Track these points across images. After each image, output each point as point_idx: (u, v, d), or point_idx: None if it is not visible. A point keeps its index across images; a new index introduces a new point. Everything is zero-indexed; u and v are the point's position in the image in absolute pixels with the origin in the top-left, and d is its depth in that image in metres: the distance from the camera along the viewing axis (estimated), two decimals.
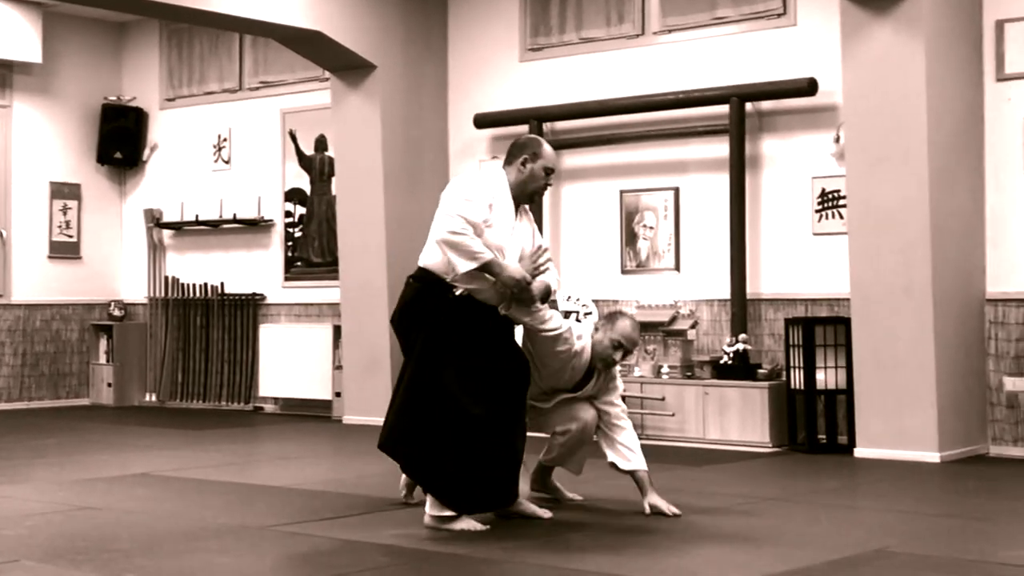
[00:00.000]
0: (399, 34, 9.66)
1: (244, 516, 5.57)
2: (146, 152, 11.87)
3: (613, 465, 5.54)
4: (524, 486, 5.45)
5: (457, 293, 5.15)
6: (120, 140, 11.71)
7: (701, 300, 8.75)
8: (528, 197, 5.38)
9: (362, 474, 6.97)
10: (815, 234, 8.32)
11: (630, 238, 9.08)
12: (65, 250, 11.63)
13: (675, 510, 5.44)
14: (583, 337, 5.50)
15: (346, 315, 9.84)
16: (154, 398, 11.60)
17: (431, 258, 5.24)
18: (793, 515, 5.64)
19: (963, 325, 7.57)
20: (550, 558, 4.65)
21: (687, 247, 8.86)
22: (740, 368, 8.14)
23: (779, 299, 8.45)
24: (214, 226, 11.27)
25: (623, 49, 9.18)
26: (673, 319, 8.55)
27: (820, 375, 7.87)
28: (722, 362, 8.22)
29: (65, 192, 11.64)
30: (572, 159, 9.31)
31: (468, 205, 5.12)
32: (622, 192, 9.12)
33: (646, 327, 8.34)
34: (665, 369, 8.40)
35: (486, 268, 5.10)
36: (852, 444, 7.67)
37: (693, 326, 8.53)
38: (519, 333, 5.44)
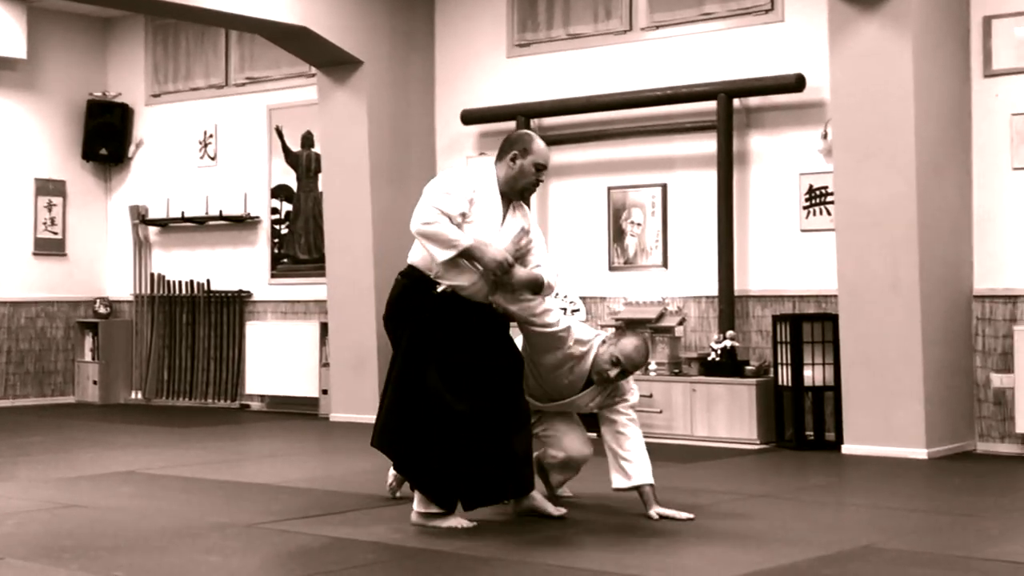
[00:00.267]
0: (386, 30, 9.63)
1: (231, 514, 5.54)
2: (131, 148, 11.82)
3: (617, 488, 5.37)
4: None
5: (439, 290, 5.13)
6: (105, 136, 11.67)
7: (689, 297, 8.75)
8: (518, 193, 5.29)
9: (349, 471, 6.95)
10: (803, 231, 8.33)
11: (618, 235, 9.07)
12: (50, 247, 11.58)
13: (687, 515, 5.30)
14: (589, 345, 5.36)
15: (333, 312, 9.82)
16: (140, 396, 11.56)
17: (417, 254, 5.22)
18: (781, 512, 5.63)
19: (950, 322, 7.58)
20: (536, 555, 4.63)
21: (675, 244, 8.85)
22: (728, 365, 8.13)
23: (767, 296, 8.45)
24: (200, 223, 11.24)
25: (610, 45, 9.17)
26: (661, 316, 8.54)
27: (808, 372, 7.87)
28: (710, 359, 8.21)
29: (50, 189, 11.58)
30: (559, 155, 9.28)
31: (444, 197, 5.10)
32: (610, 189, 9.11)
33: (633, 323, 8.36)
34: (653, 366, 8.39)
35: (467, 254, 5.05)
36: (840, 441, 7.68)
37: (681, 323, 8.53)
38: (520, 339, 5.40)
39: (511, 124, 9.23)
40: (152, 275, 11.58)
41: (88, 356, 11.59)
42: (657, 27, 8.97)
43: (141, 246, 11.68)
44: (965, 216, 7.74)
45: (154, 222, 11.54)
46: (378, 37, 9.57)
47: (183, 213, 11.29)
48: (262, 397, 10.84)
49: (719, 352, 8.17)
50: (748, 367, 8.15)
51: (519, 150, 5.26)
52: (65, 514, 5.56)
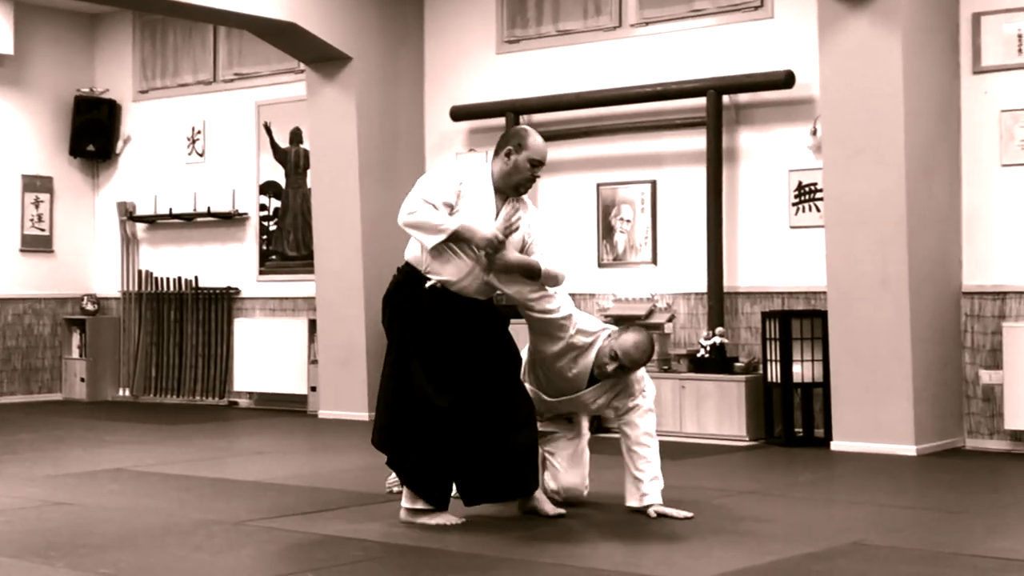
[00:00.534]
0: (375, 26, 9.61)
1: (219, 511, 5.53)
2: (119, 145, 11.78)
3: (629, 506, 5.31)
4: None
5: (427, 285, 5.11)
6: (93, 133, 11.62)
7: (678, 293, 8.75)
8: (513, 189, 5.22)
9: (337, 468, 6.94)
10: (792, 227, 8.33)
11: (607, 231, 9.06)
12: (37, 244, 11.53)
13: (685, 513, 5.26)
14: (594, 337, 5.29)
15: (321, 309, 9.80)
16: (127, 393, 11.52)
17: (411, 250, 5.22)
18: (770, 508, 5.63)
19: (939, 318, 7.59)
20: (525, 551, 4.63)
21: (664, 240, 8.84)
22: (717, 361, 8.13)
23: (756, 292, 8.45)
24: (188, 219, 11.20)
25: (600, 41, 9.16)
26: (650, 312, 8.54)
27: (797, 368, 7.87)
28: (699, 355, 8.21)
29: (37, 185, 11.53)
30: (549, 152, 9.26)
31: (429, 188, 5.10)
32: (599, 185, 9.10)
33: (622, 320, 8.34)
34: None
35: (456, 237, 5.03)
36: (829, 437, 7.69)
37: (670, 319, 8.52)
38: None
39: (501, 120, 9.22)
40: (140, 272, 11.54)
41: (75, 353, 11.55)
42: (647, 23, 8.96)
43: (129, 243, 11.64)
44: (954, 213, 7.74)
45: (142, 219, 11.50)
46: (367, 33, 9.55)
47: (171, 210, 11.25)
48: (250, 394, 10.81)
49: (708, 349, 8.17)
50: (737, 364, 8.15)
51: (514, 145, 5.23)
52: (52, 512, 5.54)
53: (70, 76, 11.75)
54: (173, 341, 11.25)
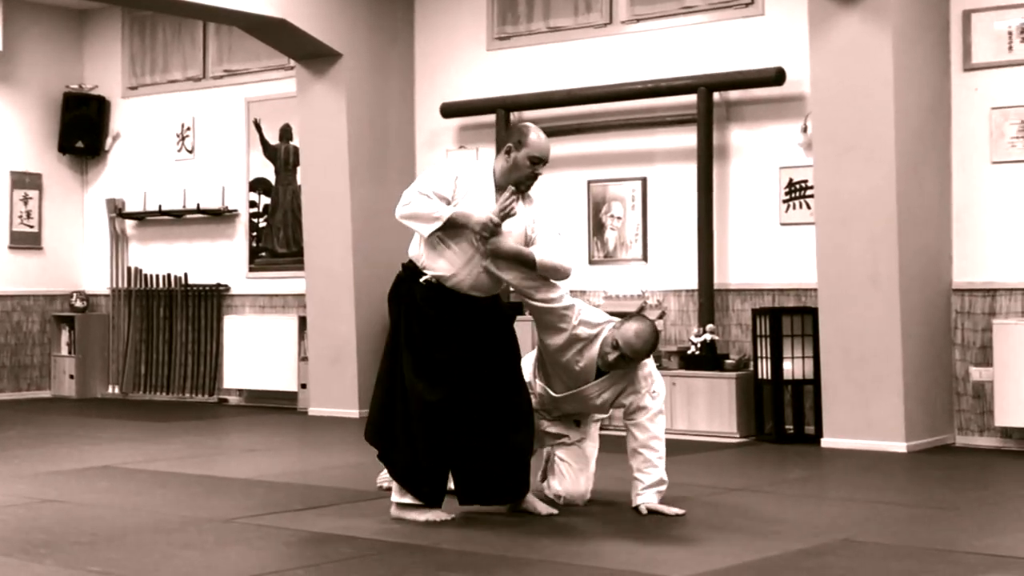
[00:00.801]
0: (365, 22, 9.59)
1: (208, 508, 5.51)
2: (108, 141, 11.74)
3: (636, 508, 5.30)
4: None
5: (422, 280, 5.11)
6: (82, 129, 11.58)
7: (669, 290, 8.75)
8: (514, 187, 5.18)
9: (327, 466, 6.93)
10: (782, 224, 8.33)
11: (597, 228, 9.06)
12: (26, 240, 11.49)
13: (676, 510, 5.25)
14: (599, 329, 5.24)
15: (311, 306, 9.78)
16: (117, 390, 11.49)
17: (412, 246, 5.24)
18: (760, 505, 5.63)
19: (930, 315, 7.60)
20: (517, 549, 4.62)
21: (654, 237, 8.84)
22: (707, 358, 8.13)
23: (746, 289, 8.45)
24: (177, 216, 11.17)
25: (591, 38, 9.15)
26: (640, 309, 8.52)
27: (787, 365, 7.88)
28: (689, 352, 8.21)
29: (26, 182, 11.50)
30: None
31: (423, 181, 5.13)
32: (589, 182, 9.10)
33: (612, 315, 8.33)
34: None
35: (452, 223, 5.03)
36: (819, 434, 7.69)
37: (660, 316, 8.52)
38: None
39: (491, 117, 9.22)
40: (129, 269, 11.51)
41: (64, 350, 11.52)
42: (637, 20, 8.95)
43: (118, 239, 11.61)
44: (944, 210, 7.75)
45: (131, 215, 11.47)
46: (357, 30, 9.53)
47: (160, 206, 11.22)
48: (240, 391, 10.79)
49: (699, 346, 8.17)
50: (728, 361, 8.15)
51: (514, 142, 5.19)
52: (41, 509, 5.52)
53: (59, 72, 11.71)
54: (163, 338, 11.22)
